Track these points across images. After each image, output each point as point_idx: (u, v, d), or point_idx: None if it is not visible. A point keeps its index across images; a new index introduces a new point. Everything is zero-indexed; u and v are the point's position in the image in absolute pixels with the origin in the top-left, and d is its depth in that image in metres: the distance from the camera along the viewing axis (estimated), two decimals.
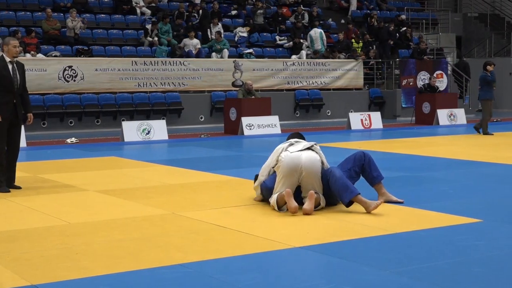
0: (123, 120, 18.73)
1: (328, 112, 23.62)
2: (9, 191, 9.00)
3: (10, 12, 21.91)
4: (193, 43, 22.35)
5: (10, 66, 9.10)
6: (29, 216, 7.53)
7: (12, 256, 5.72)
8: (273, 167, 7.66)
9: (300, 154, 7.44)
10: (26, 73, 9.51)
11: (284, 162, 7.43)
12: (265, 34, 25.17)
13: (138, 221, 7.16)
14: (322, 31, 24.94)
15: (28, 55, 19.07)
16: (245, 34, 24.49)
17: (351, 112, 21.15)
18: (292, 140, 7.78)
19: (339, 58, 24.50)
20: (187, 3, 24.66)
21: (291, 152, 7.47)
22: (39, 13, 22.05)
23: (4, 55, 9.21)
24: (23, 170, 10.14)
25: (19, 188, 9.23)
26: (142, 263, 5.48)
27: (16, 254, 5.80)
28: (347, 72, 24.19)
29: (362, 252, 5.81)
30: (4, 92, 9.02)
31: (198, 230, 6.67)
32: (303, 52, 23.99)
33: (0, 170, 9.08)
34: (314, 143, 7.70)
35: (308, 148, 7.59)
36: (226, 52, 22.55)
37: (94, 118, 19.88)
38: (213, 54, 22.42)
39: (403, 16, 28.58)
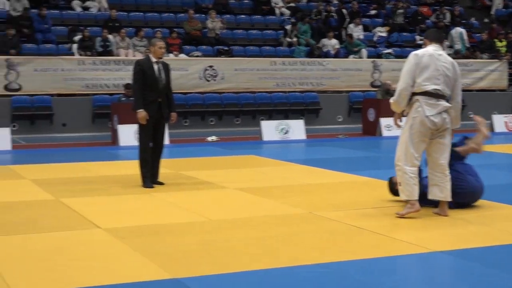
0: (261, 119, 18.94)
1: (469, 114, 22.93)
2: (153, 187, 9.31)
3: (155, 14, 22.66)
4: (331, 43, 22.31)
5: (155, 67, 9.40)
6: (171, 212, 7.76)
7: (156, 249, 5.92)
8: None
9: (434, 119, 7.09)
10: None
11: (417, 123, 7.11)
12: (404, 34, 24.76)
13: (276, 219, 7.22)
14: (463, 30, 24.25)
15: (171, 55, 19.64)
16: (384, 34, 24.20)
17: (495, 114, 20.46)
18: (431, 88, 7.13)
19: (481, 58, 23.76)
20: (325, 3, 24.66)
21: (427, 115, 7.06)
22: (182, 14, 22.67)
23: (150, 55, 9.54)
24: (166, 167, 10.45)
25: (162, 184, 9.53)
26: (279, 262, 5.53)
27: (160, 248, 5.99)
28: (490, 73, 23.42)
29: (504, 259, 5.61)
30: (150, 92, 9.34)
31: (335, 231, 6.66)
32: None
33: (145, 166, 9.41)
34: (450, 105, 7.23)
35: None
36: (364, 52, 22.36)
37: (233, 117, 20.23)
38: (351, 56, 22.27)
39: None
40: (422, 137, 7.15)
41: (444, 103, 7.16)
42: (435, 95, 7.13)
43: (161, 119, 9.51)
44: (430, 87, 7.11)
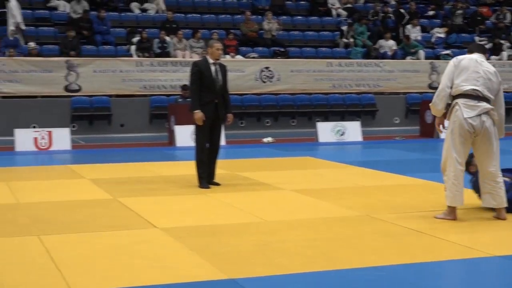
0: (317, 120, 18.90)
1: None
2: (209, 187, 9.37)
3: (212, 15, 22.80)
4: (388, 44, 22.14)
5: (213, 68, 9.46)
6: (227, 212, 7.80)
7: (212, 250, 5.95)
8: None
9: (472, 122, 6.98)
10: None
11: (456, 126, 7.03)
12: (463, 34, 24.42)
13: (332, 221, 7.20)
14: None
15: (227, 57, 19.73)
16: (442, 35, 23.92)
17: None
18: (469, 88, 7.04)
19: None
20: (383, 4, 24.47)
21: (464, 117, 6.97)
22: (238, 15, 22.77)
23: (207, 57, 9.60)
24: (222, 168, 10.51)
25: (218, 184, 9.58)
26: (335, 264, 5.51)
27: (215, 248, 6.03)
28: None
29: None
30: (207, 93, 9.41)
31: (392, 234, 6.60)
32: (504, 53, 23.04)
33: (201, 167, 9.48)
34: (491, 108, 7.09)
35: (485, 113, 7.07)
36: (422, 53, 22.14)
37: (289, 118, 20.23)
38: (408, 57, 22.07)
39: None
40: (463, 141, 7.06)
41: (485, 105, 7.04)
42: (475, 96, 7.03)
43: (218, 120, 9.56)
44: (468, 87, 7.03)
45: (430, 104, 7.35)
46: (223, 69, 9.63)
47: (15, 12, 19.29)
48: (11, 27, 19.15)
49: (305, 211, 7.83)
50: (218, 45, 9.60)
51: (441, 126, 7.43)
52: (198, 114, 9.32)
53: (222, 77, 9.54)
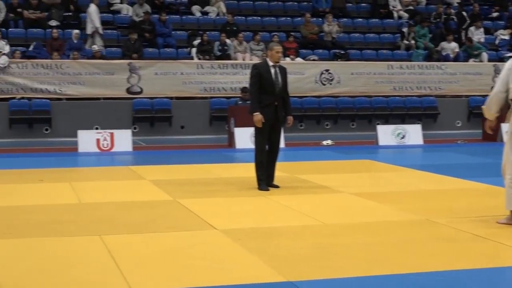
0: (378, 123, 18.75)
1: None
2: (268, 190, 9.38)
3: (272, 18, 22.84)
4: (451, 47, 21.85)
5: (272, 70, 9.48)
6: (286, 214, 7.80)
7: (271, 252, 5.97)
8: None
9: None
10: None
11: None
12: None
13: (391, 225, 7.14)
14: None
15: (287, 59, 19.74)
16: (506, 37, 23.50)
17: None
18: None
19: None
20: (445, 6, 24.16)
21: None
22: (299, 18, 22.76)
23: (267, 59, 9.63)
24: (281, 170, 10.51)
25: (277, 187, 9.58)
26: (394, 268, 5.46)
27: (274, 250, 6.04)
28: None
29: None
30: (267, 95, 9.43)
31: (452, 238, 6.52)
32: None
33: (260, 169, 9.50)
34: None
35: None
36: (485, 55, 21.78)
37: (349, 121, 20.12)
38: (471, 59, 21.75)
39: None
40: None
41: None
42: None
43: (277, 122, 9.57)
44: None
45: (483, 107, 7.27)
46: (283, 71, 9.64)
47: (93, 17, 19.74)
48: (88, 31, 19.78)
49: (364, 214, 7.78)
50: (278, 48, 9.62)
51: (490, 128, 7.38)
52: (258, 116, 9.35)
53: (282, 80, 9.55)
